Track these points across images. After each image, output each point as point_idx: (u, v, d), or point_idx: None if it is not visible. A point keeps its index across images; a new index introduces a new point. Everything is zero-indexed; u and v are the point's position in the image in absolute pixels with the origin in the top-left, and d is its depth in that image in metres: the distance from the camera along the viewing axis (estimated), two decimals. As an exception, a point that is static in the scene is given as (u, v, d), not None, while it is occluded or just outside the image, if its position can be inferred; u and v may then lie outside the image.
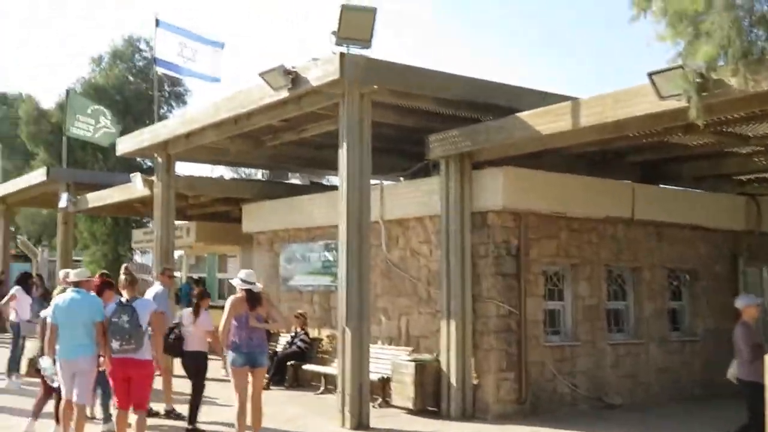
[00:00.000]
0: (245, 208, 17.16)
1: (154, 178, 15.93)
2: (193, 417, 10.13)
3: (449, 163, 11.69)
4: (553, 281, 12.51)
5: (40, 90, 74.66)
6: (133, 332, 8.23)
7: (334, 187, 17.80)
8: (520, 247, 11.76)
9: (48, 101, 58.25)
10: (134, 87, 31.20)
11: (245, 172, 32.89)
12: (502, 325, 11.57)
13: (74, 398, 8.48)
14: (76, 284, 8.86)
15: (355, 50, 10.29)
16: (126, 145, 15.60)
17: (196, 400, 10.17)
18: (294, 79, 10.75)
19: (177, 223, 22.72)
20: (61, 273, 13.92)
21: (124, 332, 8.21)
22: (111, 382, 8.58)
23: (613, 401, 12.66)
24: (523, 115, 10.30)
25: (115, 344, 8.23)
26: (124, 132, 22.52)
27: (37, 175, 21.05)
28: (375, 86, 10.50)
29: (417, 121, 12.54)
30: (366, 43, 10.19)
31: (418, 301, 12.76)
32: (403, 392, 11.72)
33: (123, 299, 8.54)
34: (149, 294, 11.07)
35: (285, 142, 15.18)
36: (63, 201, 20.36)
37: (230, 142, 15.23)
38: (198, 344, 10.23)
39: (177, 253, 32.04)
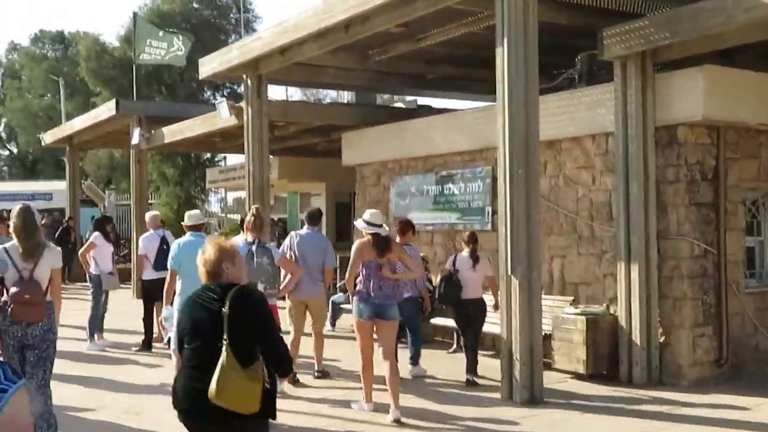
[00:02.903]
0: (346, 136, 14.91)
1: (242, 104, 13.79)
2: (472, 368, 9.41)
3: (627, 66, 9.23)
4: (751, 212, 10.07)
5: (99, 27, 72.86)
6: (275, 274, 7.83)
7: (446, 110, 15.60)
8: (719, 169, 9.33)
9: (109, 36, 56.11)
10: (199, 14, 28.87)
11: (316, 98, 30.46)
12: (696, 268, 9.22)
13: None
14: (193, 228, 8.57)
15: None
16: (211, 66, 13.38)
17: (476, 349, 9.54)
18: (440, -41, 8.37)
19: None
20: (148, 216, 12.01)
21: (269, 274, 7.75)
22: None
23: (822, 357, 10.29)
24: (753, -12, 7.76)
25: (260, 286, 7.58)
26: (191, 61, 20.46)
27: (105, 110, 19.04)
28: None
29: (576, 17, 10.11)
30: None
31: (578, 240, 10.45)
32: (571, 353, 9.50)
33: (256, 241, 7.98)
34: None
35: (395, 56, 12.87)
36: (135, 137, 18.38)
37: (332, 57, 12.95)
38: (478, 291, 9.57)
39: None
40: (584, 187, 10.36)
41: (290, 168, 20.44)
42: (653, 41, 8.65)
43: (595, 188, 10.21)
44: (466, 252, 9.62)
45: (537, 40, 8.39)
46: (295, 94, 23.45)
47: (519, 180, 8.29)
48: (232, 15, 30.47)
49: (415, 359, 10.04)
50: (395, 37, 11.93)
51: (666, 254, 9.29)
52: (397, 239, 9.62)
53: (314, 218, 9.92)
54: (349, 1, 9.96)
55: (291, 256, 9.31)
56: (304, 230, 9.75)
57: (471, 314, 9.55)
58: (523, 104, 8.32)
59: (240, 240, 8.02)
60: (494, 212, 11.71)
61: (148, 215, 11.88)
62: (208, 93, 29.88)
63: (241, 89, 30.95)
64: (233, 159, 32.96)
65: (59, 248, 6.64)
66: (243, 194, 35.46)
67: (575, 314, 9.59)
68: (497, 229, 11.57)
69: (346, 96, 19.33)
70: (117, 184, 36.17)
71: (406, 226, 9.71)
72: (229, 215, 33.42)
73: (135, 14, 19.47)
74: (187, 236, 8.37)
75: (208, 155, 29.22)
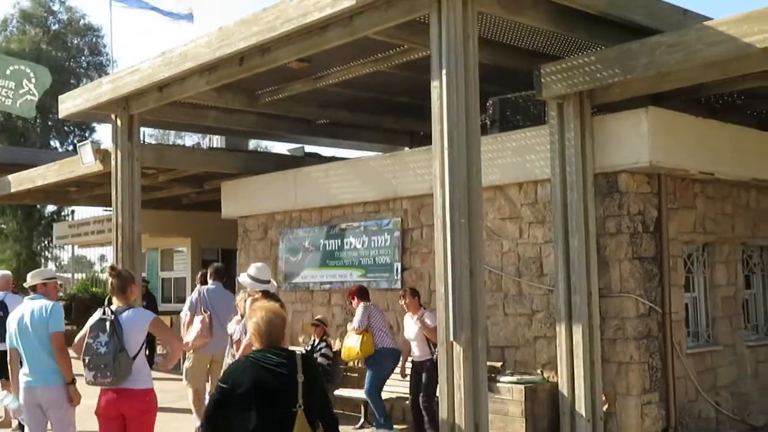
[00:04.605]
0: (226, 186, 13.46)
1: (109, 147, 12.09)
2: None
3: (564, 107, 8.43)
4: (686, 266, 9.42)
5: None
6: (109, 361, 5.80)
7: (337, 158, 14.42)
8: (661, 221, 8.63)
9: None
10: (48, 55, 26.39)
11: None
12: (642, 327, 8.42)
13: None
14: (33, 289, 6.93)
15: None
16: (74, 102, 11.60)
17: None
18: (367, -24, 7.25)
19: (110, 211, 18.85)
20: (-4, 276, 10.06)
21: (99, 360, 5.81)
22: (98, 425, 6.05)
23: (756, 422, 9.71)
24: (717, 23, 7.09)
25: (88, 375, 5.86)
26: (43, 107, 18.35)
27: (-62, 155, 16.66)
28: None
29: (498, 54, 9.32)
30: None
31: (504, 299, 9.47)
32: (507, 427, 8.42)
33: (108, 309, 5.97)
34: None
35: (287, 97, 11.69)
36: (-26, 186, 16.09)
37: (216, 97, 11.60)
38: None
39: (105, 250, 27.92)
40: (510, 241, 9.43)
41: (152, 221, 18.49)
42: (600, 79, 7.85)
43: (523, 241, 9.30)
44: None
45: (478, 75, 7.41)
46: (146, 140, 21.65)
47: (461, 231, 7.19)
48: (83, 58, 28.25)
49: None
50: (292, 75, 10.75)
51: (607, 314, 8.44)
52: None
53: (220, 273, 9.76)
54: (252, 28, 8.65)
55: (201, 312, 8.35)
56: (210, 285, 9.53)
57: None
58: (465, 146, 7.26)
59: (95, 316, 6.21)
60: (404, 268, 10.60)
61: (-5, 275, 9.93)
62: (56, 142, 27.42)
63: (95, 136, 28.82)
64: (81, 213, 30.41)
65: None
66: (85, 252, 32.66)
67: (510, 382, 8.54)
68: (407, 286, 10.55)
69: (215, 142, 17.79)
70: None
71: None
72: (74, 274, 30.70)
73: (-23, 48, 17.24)
74: (25, 302, 6.87)
75: (54, 208, 26.63)
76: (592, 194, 8.41)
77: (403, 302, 9.20)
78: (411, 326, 9.13)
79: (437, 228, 7.34)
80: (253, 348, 4.22)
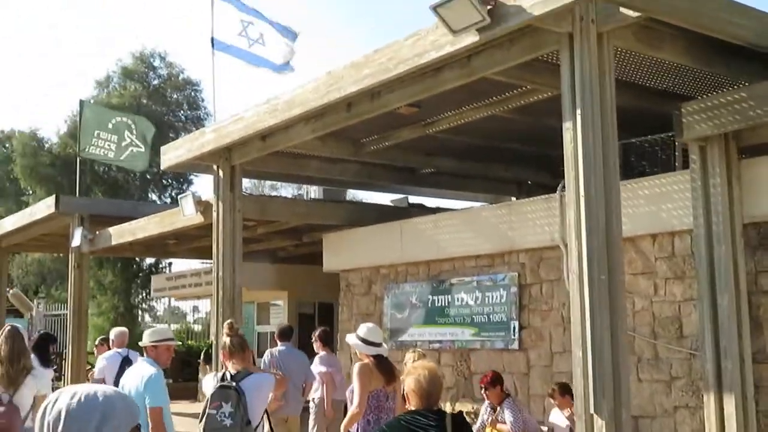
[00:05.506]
0: (328, 238, 12.96)
1: (211, 199, 11.78)
2: None
3: (708, 150, 7.60)
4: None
5: (37, 123, 69.92)
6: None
7: (442, 209, 13.85)
8: (822, 277, 7.65)
9: (48, 131, 53.50)
10: (148, 109, 26.87)
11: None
12: (803, 399, 7.41)
13: None
14: (148, 350, 6.20)
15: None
16: (176, 153, 11.35)
17: None
18: (492, 10, 6.63)
19: (208, 264, 18.66)
20: (113, 333, 9.78)
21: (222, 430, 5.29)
22: None
23: None
24: None
25: None
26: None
27: (43, 207, 16.69)
28: (638, 13, 6.40)
29: (622, 95, 8.55)
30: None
31: (637, 363, 8.57)
32: None
33: (227, 374, 5.55)
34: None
35: (392, 145, 11.19)
36: (77, 238, 16.02)
37: (320, 145, 11.20)
38: None
39: (201, 303, 27.91)
40: (643, 298, 8.56)
41: (251, 275, 18.23)
42: (754, 117, 7.01)
43: (659, 299, 8.42)
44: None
45: (615, 114, 6.68)
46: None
47: (600, 288, 6.41)
48: (182, 112, 28.67)
49: None
50: (399, 121, 10.25)
51: (762, 382, 7.47)
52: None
53: (287, 334, 9.78)
54: (363, 71, 8.15)
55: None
56: (281, 346, 9.56)
57: None
58: (603, 193, 6.52)
59: (209, 381, 5.82)
60: (522, 327, 9.81)
61: (112, 332, 9.66)
62: (154, 194, 27.75)
63: (193, 188, 29.09)
64: (178, 265, 30.65)
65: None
66: (179, 303, 32.94)
67: (652, 459, 7.61)
68: (525, 347, 9.78)
69: (313, 193, 17.47)
70: (46, 291, 33.22)
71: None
72: (170, 325, 30.81)
73: (81, 102, 17.41)
74: (138, 362, 6.27)
75: (152, 261, 26.84)
76: (741, 247, 7.51)
77: (553, 402, 8.36)
78: (561, 420, 8.29)
79: (572, 285, 6.58)
80: (409, 407, 4.07)
